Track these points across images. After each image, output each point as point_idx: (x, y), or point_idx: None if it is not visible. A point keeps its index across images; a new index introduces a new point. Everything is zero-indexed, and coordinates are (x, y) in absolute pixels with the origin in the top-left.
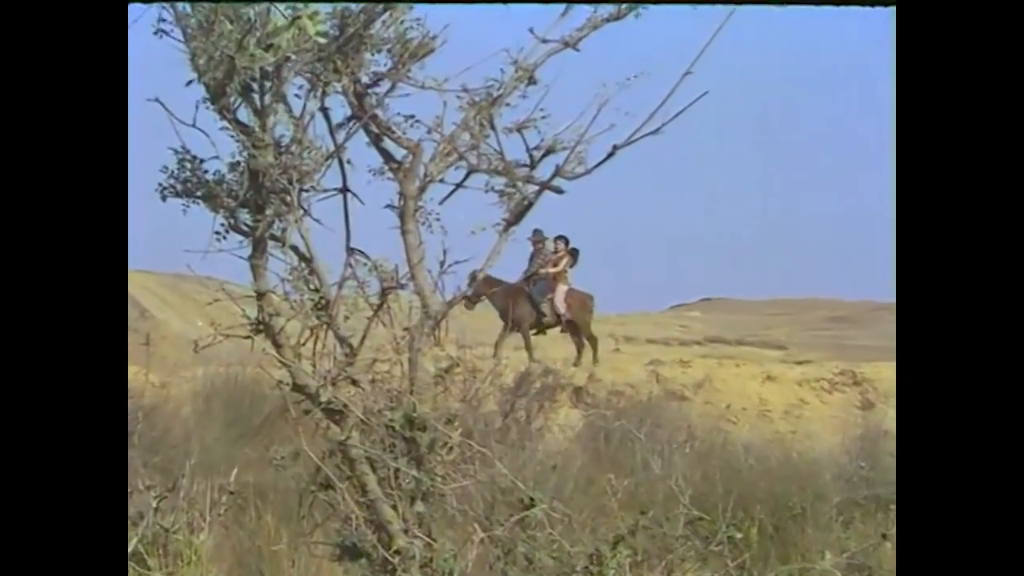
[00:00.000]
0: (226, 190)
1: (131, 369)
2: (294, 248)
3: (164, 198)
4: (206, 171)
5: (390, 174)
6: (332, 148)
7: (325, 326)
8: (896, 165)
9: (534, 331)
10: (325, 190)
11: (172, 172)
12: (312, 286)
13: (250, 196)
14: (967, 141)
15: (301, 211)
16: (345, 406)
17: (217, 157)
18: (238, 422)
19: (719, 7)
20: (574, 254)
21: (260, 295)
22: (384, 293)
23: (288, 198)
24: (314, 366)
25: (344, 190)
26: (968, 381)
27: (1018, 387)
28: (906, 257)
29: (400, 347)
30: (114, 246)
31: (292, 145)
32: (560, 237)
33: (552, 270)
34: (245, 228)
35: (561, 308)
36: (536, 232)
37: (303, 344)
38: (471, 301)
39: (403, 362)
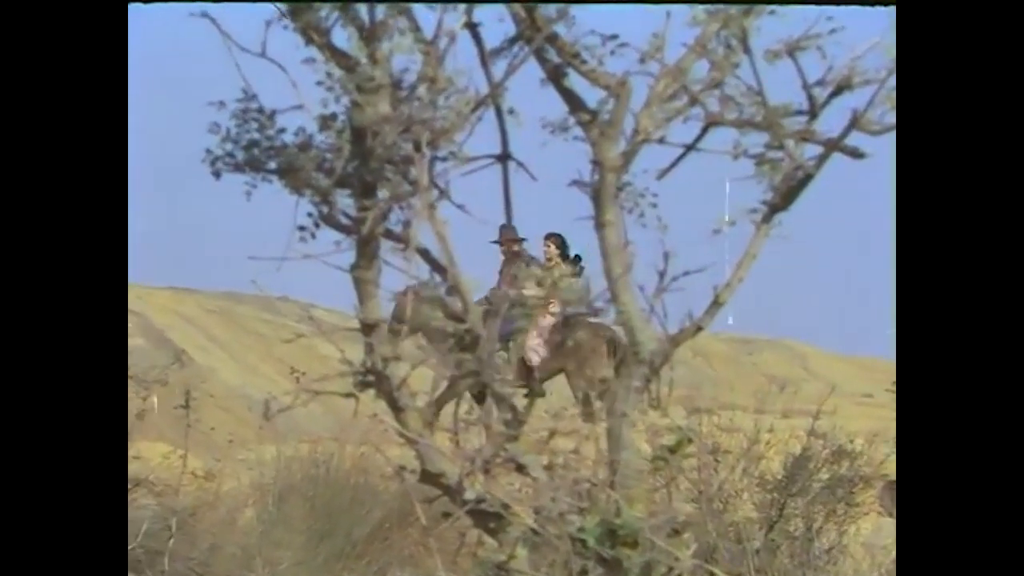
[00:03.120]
0: (315, 160)
1: (161, 448)
2: (423, 252)
3: (217, 173)
4: (282, 130)
5: (578, 131)
6: (484, 90)
7: (473, 377)
8: (896, 165)
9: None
10: (473, 158)
11: (228, 133)
12: (451, 313)
13: (353, 169)
14: (967, 141)
15: (435, 192)
16: (506, 507)
17: (300, 107)
18: (330, 535)
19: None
20: (575, 264)
21: (369, 327)
22: (568, 324)
23: (414, 172)
24: (456, 442)
25: (504, 157)
26: (968, 381)
27: (1018, 387)
28: (906, 257)
29: (593, 411)
30: (114, 248)
31: (420, 86)
32: (552, 236)
33: (529, 292)
34: (345, 220)
35: (534, 358)
36: (506, 229)
37: (439, 408)
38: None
39: (598, 436)
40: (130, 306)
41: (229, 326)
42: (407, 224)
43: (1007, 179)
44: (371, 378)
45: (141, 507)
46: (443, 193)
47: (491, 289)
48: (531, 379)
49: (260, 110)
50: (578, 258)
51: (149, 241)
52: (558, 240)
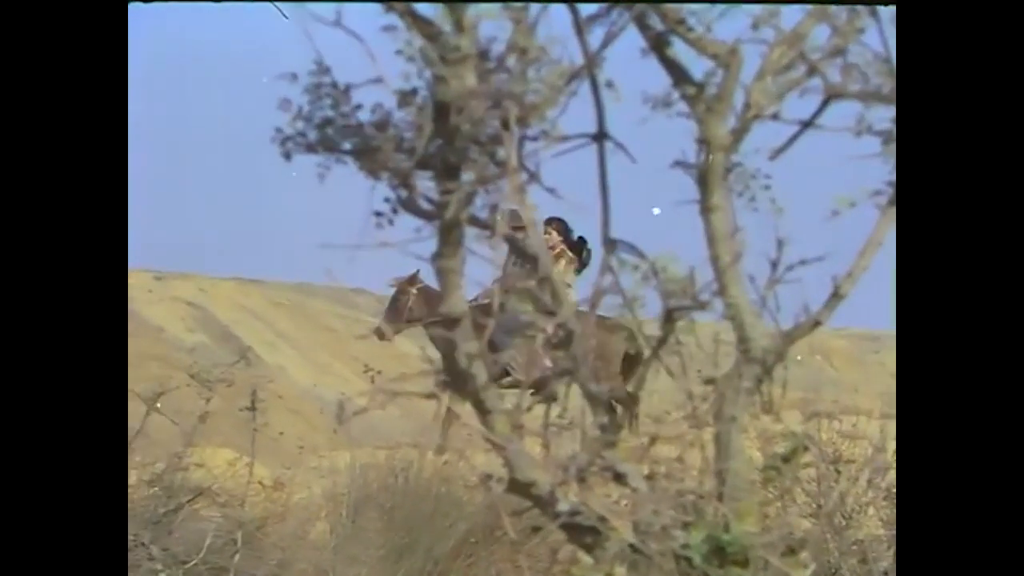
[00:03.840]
0: (394, 140)
1: (226, 455)
2: (511, 240)
3: (287, 155)
4: (359, 107)
5: (682, 106)
6: (580, 61)
7: (564, 377)
8: (896, 165)
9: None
10: (565, 137)
11: (300, 111)
12: (543, 306)
13: (435, 149)
14: (968, 141)
15: (524, 175)
16: (603, 521)
17: (378, 81)
18: (410, 551)
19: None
20: (580, 251)
21: (452, 322)
22: (670, 318)
23: (501, 152)
24: (547, 449)
25: (600, 136)
26: (970, 381)
27: (1018, 387)
28: (906, 257)
29: (699, 415)
30: (114, 250)
31: (510, 57)
32: (554, 221)
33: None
34: (426, 205)
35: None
36: (511, 215)
37: (528, 410)
38: (384, 329)
39: (705, 442)
40: (192, 299)
41: (299, 321)
42: (493, 209)
43: (1009, 179)
44: (455, 379)
45: (204, 519)
46: (533, 176)
47: (493, 281)
48: (544, 379)
49: (334, 85)
50: (583, 241)
51: (212, 229)
52: (560, 225)
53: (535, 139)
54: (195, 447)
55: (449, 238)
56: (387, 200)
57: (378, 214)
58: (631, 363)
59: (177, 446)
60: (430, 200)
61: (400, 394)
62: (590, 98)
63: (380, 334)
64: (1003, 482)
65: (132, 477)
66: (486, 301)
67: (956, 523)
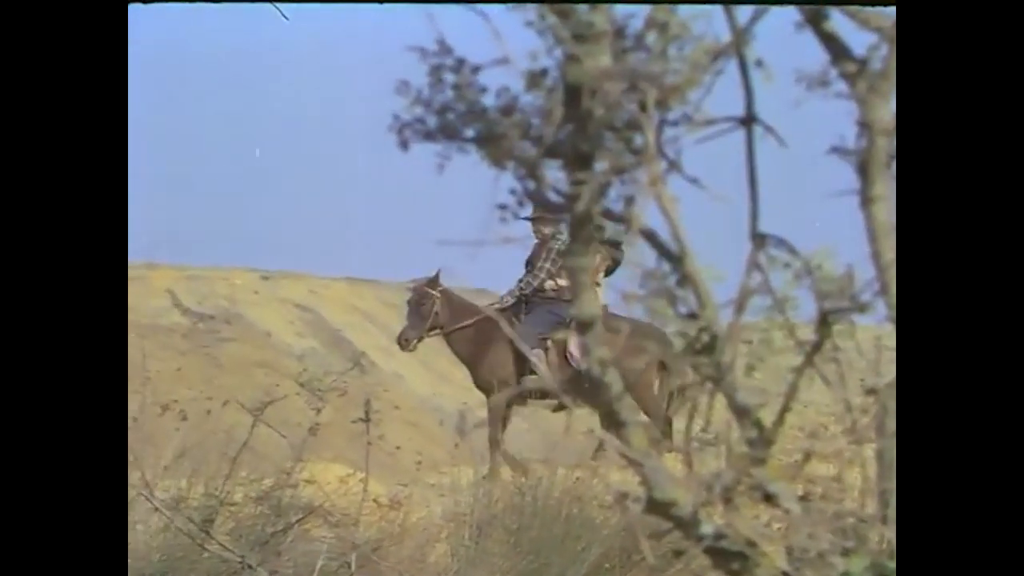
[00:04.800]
0: (520, 126)
1: (338, 471)
2: (649, 234)
3: (404, 143)
4: (483, 90)
5: (841, 85)
6: (726, 37)
7: (709, 384)
8: (896, 165)
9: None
10: (709, 121)
11: (418, 95)
12: (686, 308)
13: (566, 136)
14: (968, 141)
15: (664, 163)
16: (751, 545)
17: (504, 62)
18: (540, 575)
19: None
20: (613, 251)
21: (584, 325)
22: (825, 321)
23: (639, 138)
24: (689, 465)
25: (749, 120)
26: (971, 381)
27: (1018, 387)
28: (906, 258)
29: (859, 430)
30: (114, 251)
31: (649, 34)
32: None
33: (565, 283)
34: (555, 197)
35: (578, 356)
36: (540, 208)
37: (668, 422)
38: (411, 337)
39: (866, 460)
40: (301, 301)
41: None
42: (629, 201)
43: (1009, 180)
44: (586, 387)
45: (315, 540)
46: (674, 164)
47: (519, 280)
48: (575, 385)
49: (459, 63)
50: (617, 244)
51: (323, 225)
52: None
53: (676, 124)
54: (305, 462)
55: (580, 233)
56: (512, 192)
57: (502, 207)
58: (665, 374)
59: (286, 461)
60: (559, 192)
61: (528, 405)
62: (737, 78)
63: (404, 343)
64: (1004, 482)
65: (238, 494)
66: (511, 302)
67: (956, 523)
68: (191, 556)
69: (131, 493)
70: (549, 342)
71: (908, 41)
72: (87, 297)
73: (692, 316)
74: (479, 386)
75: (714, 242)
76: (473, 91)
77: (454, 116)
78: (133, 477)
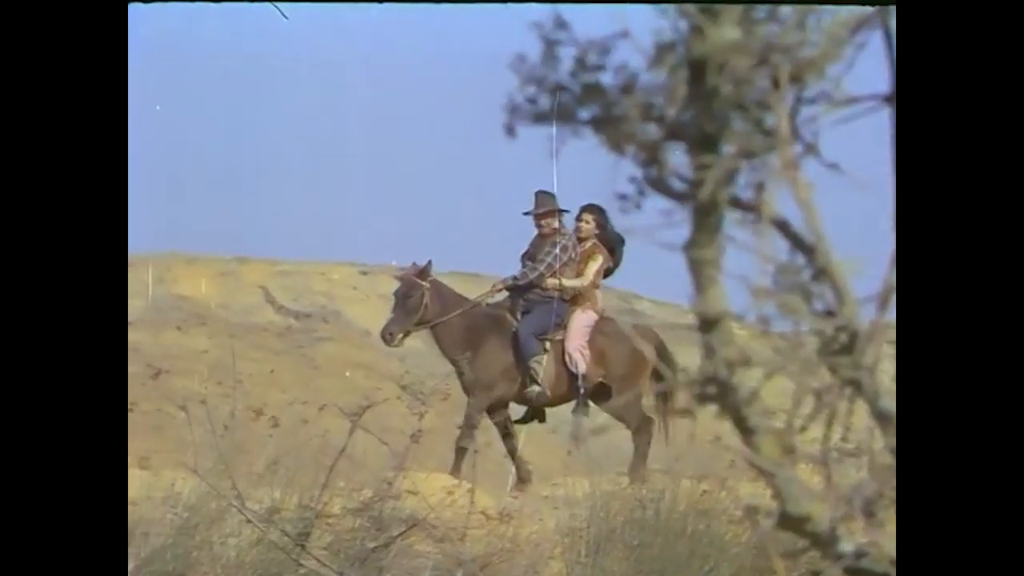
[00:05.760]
0: (641, 106)
1: (443, 481)
2: (781, 224)
3: (511, 128)
4: (600, 67)
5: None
6: (872, 6)
7: (849, 389)
8: (896, 165)
9: (515, 417)
10: (851, 100)
11: (531, 74)
12: (823, 304)
13: (690, 117)
14: (968, 141)
15: (798, 146)
16: (896, 564)
17: (623, 36)
18: None
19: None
20: (611, 243)
21: (709, 323)
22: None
23: (771, 118)
24: (827, 477)
25: (894, 98)
26: (972, 381)
27: (1018, 387)
28: (906, 258)
29: None
30: (114, 252)
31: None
32: (593, 209)
33: (570, 282)
34: (678, 184)
35: (579, 363)
36: (543, 197)
37: (802, 429)
38: (395, 331)
39: None
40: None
41: None
42: (760, 188)
43: (1009, 180)
44: (712, 390)
45: (418, 555)
46: (810, 147)
47: (512, 276)
48: (575, 390)
49: (573, 42)
50: (620, 238)
51: (427, 216)
52: (599, 216)
53: (812, 102)
54: (407, 471)
55: (705, 223)
56: (632, 179)
57: (621, 196)
58: (656, 379)
59: (386, 470)
60: (682, 178)
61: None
62: (882, 51)
63: (387, 337)
64: (1004, 481)
65: (335, 506)
66: (500, 287)
67: (957, 523)
68: (286, 572)
69: (222, 504)
70: (547, 344)
71: (908, 41)
72: (87, 296)
73: (829, 313)
74: (465, 387)
75: (854, 233)
76: (590, 69)
77: (568, 96)
78: (224, 487)
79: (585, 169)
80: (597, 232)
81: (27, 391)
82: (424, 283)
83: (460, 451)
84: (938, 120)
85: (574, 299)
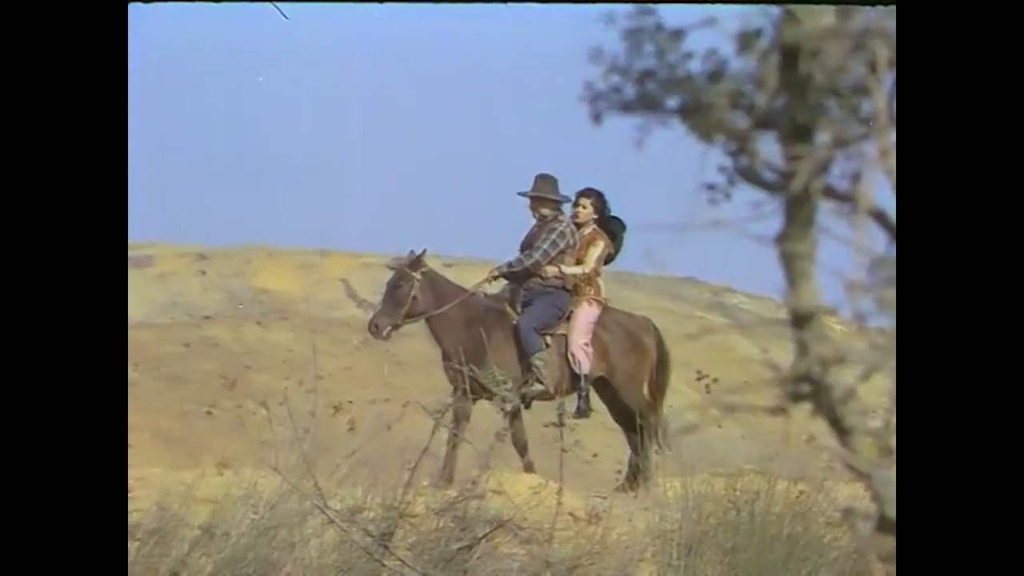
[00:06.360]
0: (730, 94)
1: (529, 480)
2: (878, 216)
3: (597, 115)
4: (688, 55)
5: None
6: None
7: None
8: (896, 165)
9: (514, 408)
10: None
11: (614, 62)
12: None
13: (783, 105)
14: (968, 141)
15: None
16: None
17: (712, 22)
18: None
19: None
20: (615, 233)
21: (802, 319)
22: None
23: (868, 105)
24: None
25: None
26: (973, 381)
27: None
28: (906, 257)
29: None
30: (114, 253)
31: None
32: (591, 193)
33: (570, 270)
34: (769, 175)
35: (583, 362)
36: (542, 181)
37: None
38: (381, 324)
39: None
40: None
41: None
42: (856, 178)
43: (1008, 180)
44: (806, 388)
45: (504, 557)
46: None
47: (507, 262)
48: (579, 390)
49: (659, 27)
50: (619, 223)
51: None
52: (597, 200)
53: None
54: (492, 470)
55: (798, 215)
56: (721, 169)
57: (710, 187)
58: (657, 370)
59: (471, 469)
60: (774, 168)
61: (739, 409)
62: None
63: (374, 330)
64: (1004, 481)
65: (419, 505)
66: (496, 274)
67: (957, 523)
68: (369, 573)
69: (304, 504)
70: (549, 339)
71: (908, 41)
72: (87, 295)
73: None
74: (466, 384)
75: None
76: (677, 56)
77: (655, 85)
78: (306, 486)
79: (673, 159)
80: (595, 217)
81: (27, 391)
82: (415, 274)
83: (450, 454)
84: (937, 120)
85: (577, 289)
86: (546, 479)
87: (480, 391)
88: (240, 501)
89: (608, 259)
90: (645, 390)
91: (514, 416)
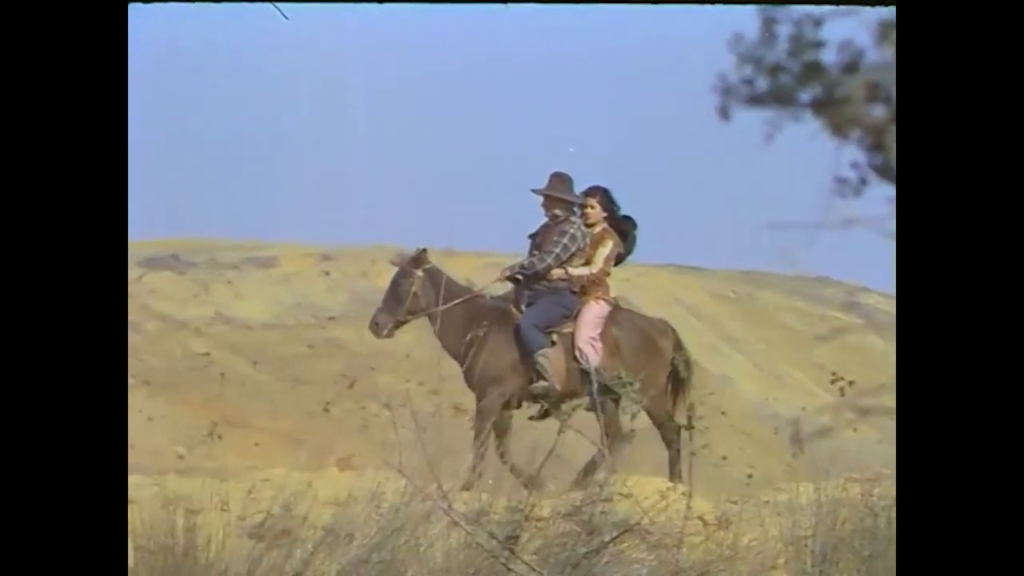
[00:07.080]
0: (866, 87)
1: (658, 483)
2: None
3: (725, 111)
4: (821, 44)
5: None
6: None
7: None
8: (896, 164)
9: (522, 410)
10: None
11: (748, 53)
12: None
13: None
14: (967, 141)
15: None
16: None
17: (849, 11)
18: None
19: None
20: (626, 232)
21: None
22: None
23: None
24: None
25: None
26: (973, 381)
27: (1018, 386)
28: (906, 257)
29: None
30: (114, 248)
31: None
32: (597, 192)
33: (577, 271)
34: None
35: (589, 356)
36: (557, 180)
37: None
38: (381, 322)
39: None
40: (618, 291)
41: (748, 318)
42: None
43: (1008, 179)
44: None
45: (632, 562)
46: None
47: (520, 264)
48: (585, 387)
49: (795, 19)
50: (630, 221)
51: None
52: (603, 198)
53: None
54: (620, 473)
55: None
56: (853, 164)
57: (841, 182)
58: (675, 378)
59: (599, 472)
60: None
61: (876, 411)
62: None
63: (374, 327)
64: (1004, 480)
65: (544, 508)
66: (506, 275)
67: (957, 522)
68: None
69: (428, 506)
70: (555, 337)
71: (908, 41)
72: (87, 294)
73: None
74: (469, 384)
75: None
76: (811, 47)
77: (787, 77)
78: (430, 488)
79: (806, 154)
80: (605, 216)
81: (27, 391)
82: (417, 271)
83: (477, 453)
84: (937, 120)
85: (585, 289)
86: (674, 482)
87: (606, 392)
88: (363, 502)
89: (620, 259)
90: (667, 395)
91: (543, 416)
